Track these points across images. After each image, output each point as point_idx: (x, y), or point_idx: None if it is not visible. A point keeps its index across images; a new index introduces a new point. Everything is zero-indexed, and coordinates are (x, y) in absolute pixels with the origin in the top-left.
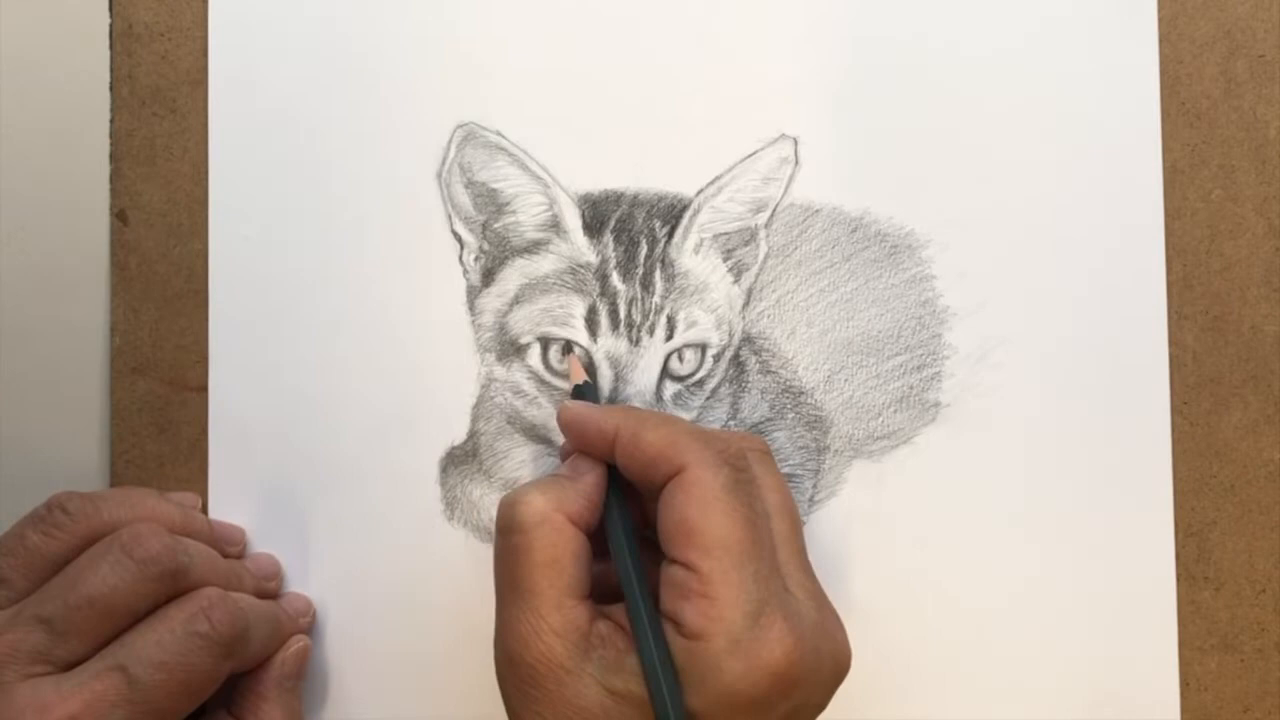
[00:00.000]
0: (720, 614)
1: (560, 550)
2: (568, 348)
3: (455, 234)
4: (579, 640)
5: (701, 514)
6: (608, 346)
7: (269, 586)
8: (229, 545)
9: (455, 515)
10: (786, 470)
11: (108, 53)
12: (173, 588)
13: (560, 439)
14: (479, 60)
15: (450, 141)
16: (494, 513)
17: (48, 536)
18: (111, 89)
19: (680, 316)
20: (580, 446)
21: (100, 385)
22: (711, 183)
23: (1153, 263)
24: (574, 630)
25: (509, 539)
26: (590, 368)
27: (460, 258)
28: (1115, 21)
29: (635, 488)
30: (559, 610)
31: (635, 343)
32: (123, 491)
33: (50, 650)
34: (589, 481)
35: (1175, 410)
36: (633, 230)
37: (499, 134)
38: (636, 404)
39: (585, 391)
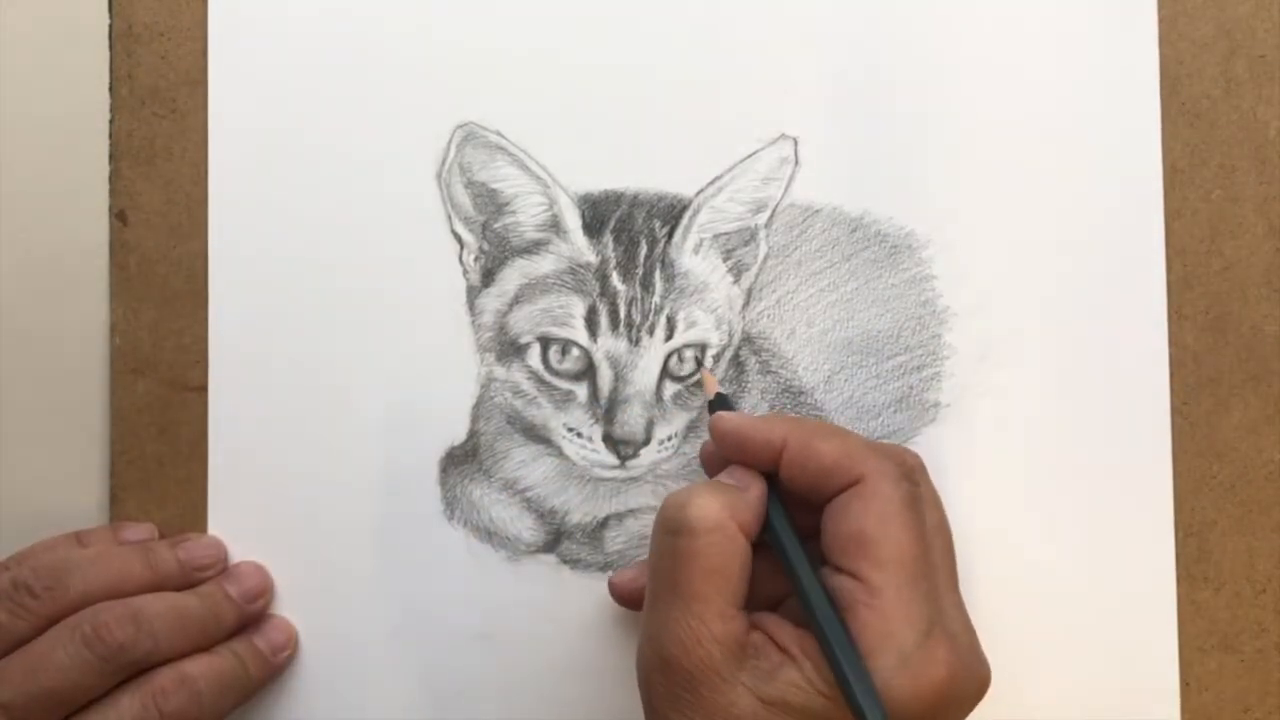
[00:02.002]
0: (891, 630)
1: (730, 559)
2: (567, 348)
3: (455, 234)
4: (737, 650)
5: (880, 526)
6: (608, 346)
7: (253, 609)
8: (204, 571)
9: (455, 515)
10: None
11: (108, 53)
12: (134, 672)
13: (559, 440)
14: (479, 60)
15: (450, 141)
16: (494, 513)
17: (14, 616)
18: (111, 89)
19: (680, 316)
20: (738, 457)
21: (100, 386)
22: (711, 183)
23: (1153, 263)
24: (733, 640)
25: (677, 540)
26: (590, 368)
27: (460, 258)
28: (1115, 21)
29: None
30: (722, 619)
31: (635, 343)
32: (91, 555)
33: None
34: (755, 495)
35: (1175, 410)
36: (633, 230)
37: (499, 134)
38: (636, 405)
39: (726, 403)
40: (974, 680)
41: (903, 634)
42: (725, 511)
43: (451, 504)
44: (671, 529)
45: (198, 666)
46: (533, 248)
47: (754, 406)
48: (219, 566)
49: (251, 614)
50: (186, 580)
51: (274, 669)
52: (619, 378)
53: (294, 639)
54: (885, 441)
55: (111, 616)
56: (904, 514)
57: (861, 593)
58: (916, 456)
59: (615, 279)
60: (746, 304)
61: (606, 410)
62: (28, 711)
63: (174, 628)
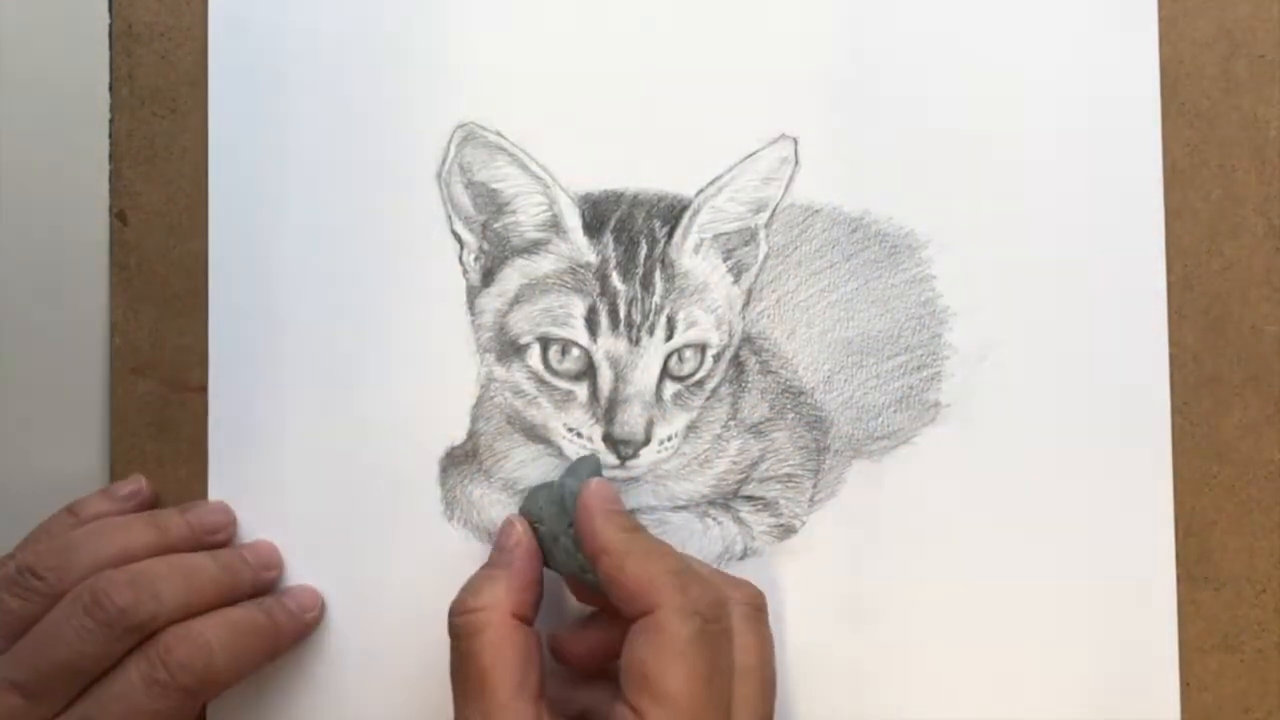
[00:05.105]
0: None
1: (504, 651)
2: (567, 348)
3: (455, 234)
4: None
5: (658, 662)
6: (608, 346)
7: (267, 576)
8: (214, 534)
9: (455, 515)
10: (786, 470)
11: (108, 53)
12: (141, 637)
13: (559, 440)
14: (479, 60)
15: (450, 141)
16: (494, 513)
17: (23, 600)
18: (111, 89)
19: (680, 316)
20: (579, 527)
21: (100, 385)
22: (711, 183)
23: (1153, 263)
24: None
25: (457, 645)
26: (590, 368)
27: (460, 258)
28: (1115, 22)
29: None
30: (505, 710)
31: (635, 343)
32: (93, 529)
33: (26, 713)
34: (520, 565)
35: (1175, 410)
36: (633, 230)
37: (499, 134)
38: (636, 405)
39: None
40: None
41: None
42: (492, 606)
43: (451, 504)
44: (452, 635)
45: (203, 621)
46: (533, 248)
47: (754, 406)
48: (229, 530)
49: (266, 581)
50: (197, 544)
51: (302, 625)
52: (619, 378)
53: (320, 602)
54: (715, 574)
55: (109, 582)
56: (685, 652)
57: None
58: (745, 589)
59: (615, 279)
60: (746, 304)
61: (606, 410)
62: (41, 687)
63: (179, 587)
